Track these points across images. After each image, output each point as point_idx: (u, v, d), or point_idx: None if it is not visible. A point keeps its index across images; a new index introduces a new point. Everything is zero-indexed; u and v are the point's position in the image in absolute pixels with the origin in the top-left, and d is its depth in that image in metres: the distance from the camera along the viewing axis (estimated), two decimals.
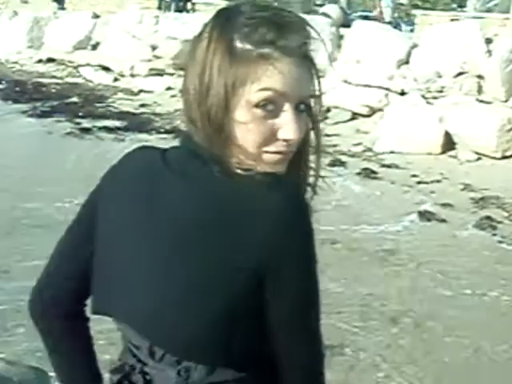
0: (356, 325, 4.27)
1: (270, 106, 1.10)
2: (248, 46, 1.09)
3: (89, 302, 1.27)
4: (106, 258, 1.19)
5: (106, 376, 1.25)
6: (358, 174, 7.57)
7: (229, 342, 1.07)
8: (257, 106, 1.09)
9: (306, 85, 1.13)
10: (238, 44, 1.09)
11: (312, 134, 1.20)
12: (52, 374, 1.98)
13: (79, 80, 13.05)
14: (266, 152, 1.12)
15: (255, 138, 1.10)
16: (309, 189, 1.20)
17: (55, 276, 1.27)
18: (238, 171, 1.11)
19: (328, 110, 9.23)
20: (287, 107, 1.11)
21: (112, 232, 1.19)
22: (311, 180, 1.21)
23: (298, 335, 1.10)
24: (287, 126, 1.11)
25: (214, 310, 1.06)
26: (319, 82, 1.15)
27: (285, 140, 1.12)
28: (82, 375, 1.29)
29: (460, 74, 9.24)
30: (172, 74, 12.05)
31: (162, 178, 1.15)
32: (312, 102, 1.16)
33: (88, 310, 1.28)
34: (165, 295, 1.10)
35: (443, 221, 6.29)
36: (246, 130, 1.10)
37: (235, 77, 1.09)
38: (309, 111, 1.16)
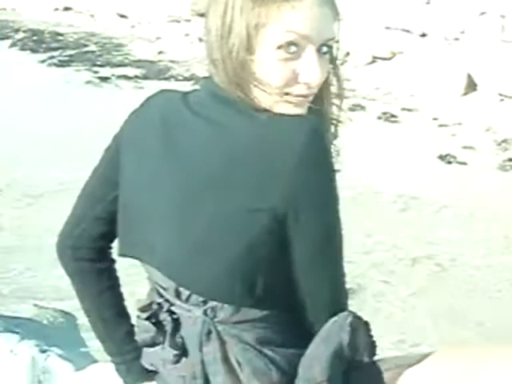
0: (376, 270, 4.29)
1: (292, 48, 1.09)
2: None
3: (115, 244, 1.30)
4: (131, 202, 1.21)
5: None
6: (379, 118, 7.50)
7: (252, 282, 1.09)
8: (279, 47, 1.09)
9: (329, 27, 1.12)
10: None
11: (332, 77, 1.19)
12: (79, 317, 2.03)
13: (96, 28, 12.93)
14: (287, 94, 1.11)
15: (276, 79, 1.10)
16: (329, 132, 1.20)
17: (83, 218, 1.29)
18: (259, 112, 1.10)
19: (347, 53, 9.10)
20: (309, 49, 1.10)
21: (135, 176, 1.20)
22: (332, 123, 1.21)
23: (321, 272, 1.12)
24: (309, 69, 1.10)
25: (237, 252, 1.08)
26: (339, 25, 1.14)
27: (306, 83, 1.11)
28: (111, 315, 1.32)
29: (482, 13, 9.03)
30: (189, 21, 11.90)
31: (184, 121, 1.16)
32: (333, 44, 1.15)
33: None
34: (188, 238, 1.11)
35: (464, 163, 6.24)
36: (267, 71, 1.10)
37: (258, 18, 1.08)
38: (330, 53, 1.15)
